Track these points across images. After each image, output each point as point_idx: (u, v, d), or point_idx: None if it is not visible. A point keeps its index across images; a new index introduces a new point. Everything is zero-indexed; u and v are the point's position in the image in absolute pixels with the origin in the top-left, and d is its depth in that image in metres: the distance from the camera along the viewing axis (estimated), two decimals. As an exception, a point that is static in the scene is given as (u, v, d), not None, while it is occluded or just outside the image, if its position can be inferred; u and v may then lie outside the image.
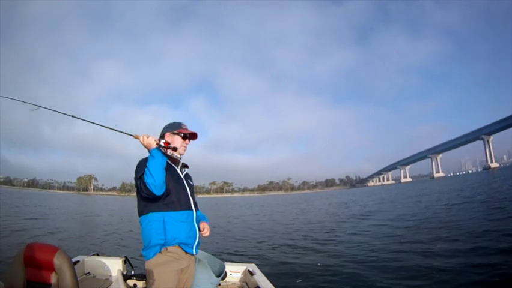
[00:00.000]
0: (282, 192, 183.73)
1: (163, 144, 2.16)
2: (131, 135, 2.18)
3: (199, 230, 2.31)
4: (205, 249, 2.66)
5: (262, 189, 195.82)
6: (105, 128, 2.22)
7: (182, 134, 2.32)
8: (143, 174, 2.04)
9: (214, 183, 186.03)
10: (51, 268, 2.03)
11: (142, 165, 2.11)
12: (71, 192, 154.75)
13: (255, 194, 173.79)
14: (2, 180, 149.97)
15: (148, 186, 1.98)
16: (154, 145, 2.09)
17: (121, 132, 2.18)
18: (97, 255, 3.80)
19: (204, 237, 2.36)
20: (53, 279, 2.03)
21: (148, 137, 2.12)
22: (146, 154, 2.17)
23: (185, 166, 2.39)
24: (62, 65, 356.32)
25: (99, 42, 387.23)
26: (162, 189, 2.04)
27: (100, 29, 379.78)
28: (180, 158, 2.34)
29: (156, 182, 1.98)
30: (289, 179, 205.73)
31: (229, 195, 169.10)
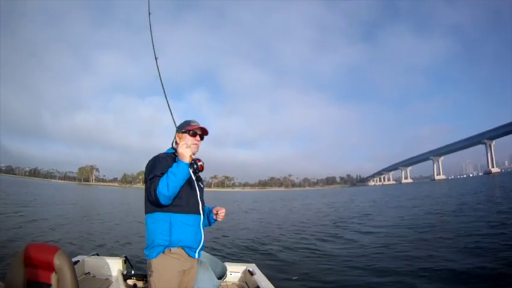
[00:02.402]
0: (282, 189, 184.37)
1: (197, 166, 2.12)
2: (178, 132, 2.25)
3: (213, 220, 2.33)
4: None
5: (263, 184, 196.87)
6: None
7: (190, 132, 2.25)
8: (155, 176, 2.00)
9: (215, 177, 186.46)
10: (51, 268, 2.02)
11: (155, 165, 2.07)
12: (72, 182, 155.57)
13: (256, 189, 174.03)
14: (3, 168, 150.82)
15: (158, 194, 1.94)
16: (187, 159, 2.03)
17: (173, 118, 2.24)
18: (97, 255, 3.81)
19: (219, 217, 2.34)
20: (53, 279, 2.02)
21: (187, 147, 2.07)
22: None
23: None
24: (63, 55, 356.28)
25: (100, 33, 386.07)
26: (170, 200, 2.00)
27: (101, 19, 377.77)
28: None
29: (169, 194, 1.95)
30: (290, 175, 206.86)
31: (230, 189, 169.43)
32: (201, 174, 2.27)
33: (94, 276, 3.50)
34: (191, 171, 2.14)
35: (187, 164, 2.03)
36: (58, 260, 2.03)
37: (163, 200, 1.95)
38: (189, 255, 2.12)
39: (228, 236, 10.29)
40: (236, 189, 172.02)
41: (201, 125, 2.29)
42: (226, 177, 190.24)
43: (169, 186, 1.94)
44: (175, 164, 2.02)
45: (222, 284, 3.48)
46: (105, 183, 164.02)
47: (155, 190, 1.94)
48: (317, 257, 7.44)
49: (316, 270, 6.19)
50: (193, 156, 2.15)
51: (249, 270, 3.49)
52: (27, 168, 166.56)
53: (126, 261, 3.56)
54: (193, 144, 2.24)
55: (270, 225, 13.85)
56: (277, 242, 9.35)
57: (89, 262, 3.61)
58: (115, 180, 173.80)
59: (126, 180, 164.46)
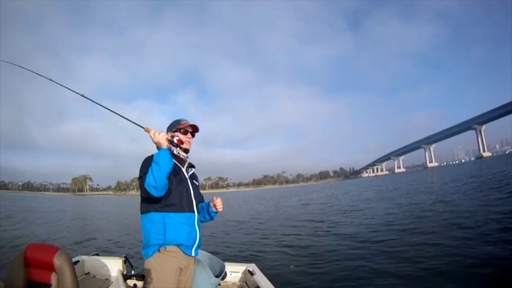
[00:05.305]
0: (277, 186, 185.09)
1: (175, 142, 2.06)
2: (141, 127, 2.07)
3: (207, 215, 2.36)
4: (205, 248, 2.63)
5: (257, 183, 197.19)
6: (112, 115, 2.19)
7: (182, 130, 2.26)
8: (144, 174, 1.99)
9: (209, 178, 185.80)
10: (51, 268, 2.03)
11: (146, 164, 2.04)
12: (67, 193, 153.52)
13: (250, 188, 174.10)
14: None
15: (147, 187, 1.93)
16: (165, 144, 1.96)
17: (132, 122, 2.09)
18: (97, 255, 3.79)
19: (218, 207, 2.32)
20: (53, 279, 2.03)
21: (159, 134, 1.98)
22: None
23: (191, 166, 2.34)
24: (44, 61, 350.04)
25: (81, 37, 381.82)
26: (163, 191, 1.99)
27: (80, 22, 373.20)
28: (187, 158, 2.26)
29: (157, 184, 1.92)
30: (283, 172, 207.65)
31: (224, 190, 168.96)
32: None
33: (94, 276, 3.49)
34: (182, 167, 2.22)
35: (167, 149, 1.97)
36: (58, 260, 2.04)
37: (153, 192, 1.94)
38: (185, 253, 2.14)
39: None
40: (231, 190, 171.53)
41: (191, 123, 2.31)
42: (220, 178, 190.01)
43: (155, 176, 1.91)
44: (155, 154, 1.99)
45: (222, 283, 3.45)
46: (99, 192, 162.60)
47: (143, 185, 1.96)
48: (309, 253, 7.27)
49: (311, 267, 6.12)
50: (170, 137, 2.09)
51: (249, 270, 3.47)
52: (20, 183, 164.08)
53: (126, 261, 3.55)
54: (185, 142, 2.26)
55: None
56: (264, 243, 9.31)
57: (89, 262, 3.60)
58: (109, 188, 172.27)
59: (120, 187, 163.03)
